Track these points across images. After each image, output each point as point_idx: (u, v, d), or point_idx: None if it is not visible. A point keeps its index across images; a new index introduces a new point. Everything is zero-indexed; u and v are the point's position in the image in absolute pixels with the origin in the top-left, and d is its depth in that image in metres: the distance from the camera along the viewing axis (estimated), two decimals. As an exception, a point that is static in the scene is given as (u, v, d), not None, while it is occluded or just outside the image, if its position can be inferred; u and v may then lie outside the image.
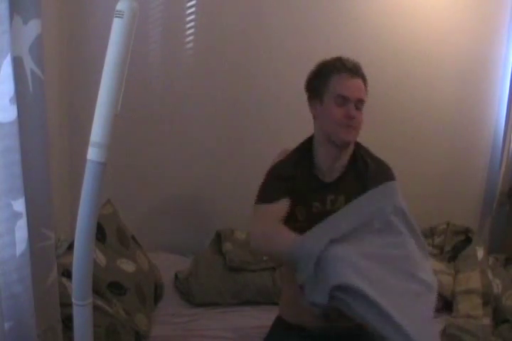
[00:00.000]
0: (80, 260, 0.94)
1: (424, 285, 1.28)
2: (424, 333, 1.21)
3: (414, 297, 1.26)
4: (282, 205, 1.46)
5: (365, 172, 1.51)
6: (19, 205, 1.09)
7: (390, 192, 1.41)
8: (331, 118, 1.47)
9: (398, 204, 1.36)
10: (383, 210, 1.33)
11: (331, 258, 1.22)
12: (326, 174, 1.51)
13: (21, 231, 1.11)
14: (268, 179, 1.53)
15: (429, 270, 1.35)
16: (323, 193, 1.49)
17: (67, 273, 1.50)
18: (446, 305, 2.16)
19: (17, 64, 1.05)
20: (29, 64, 1.09)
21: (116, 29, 0.85)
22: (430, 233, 2.54)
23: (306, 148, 1.56)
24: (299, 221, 1.48)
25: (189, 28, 2.44)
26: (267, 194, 1.50)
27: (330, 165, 1.51)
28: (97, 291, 1.63)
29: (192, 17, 2.43)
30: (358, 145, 1.55)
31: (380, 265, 1.27)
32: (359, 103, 1.46)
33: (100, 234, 1.91)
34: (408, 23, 2.54)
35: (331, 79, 1.47)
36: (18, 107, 1.05)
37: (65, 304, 1.27)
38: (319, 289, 1.22)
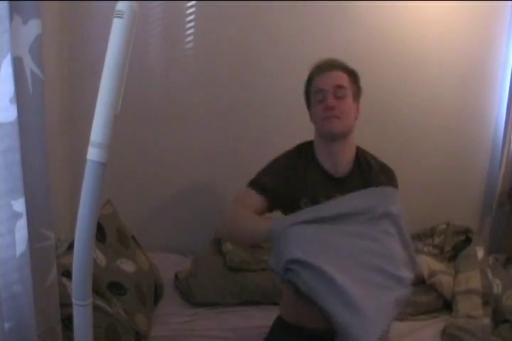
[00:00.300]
0: (80, 260, 0.94)
1: (399, 283, 1.26)
2: (378, 316, 1.18)
3: (378, 288, 1.23)
4: (260, 199, 1.48)
5: (369, 172, 1.54)
6: (19, 205, 1.09)
7: (388, 195, 1.40)
8: (315, 116, 1.51)
9: (392, 208, 1.35)
10: (375, 209, 1.33)
11: (293, 233, 1.23)
12: (332, 173, 1.53)
13: (21, 231, 1.11)
14: (263, 168, 1.56)
15: (411, 275, 1.32)
16: (329, 190, 1.51)
17: (67, 273, 1.50)
18: (446, 305, 2.16)
19: (17, 64, 1.05)
20: (29, 64, 1.08)
21: (116, 29, 0.84)
22: (430, 233, 2.54)
23: (307, 147, 1.58)
24: None
25: (189, 28, 2.44)
26: (253, 181, 1.53)
27: (332, 163, 1.53)
28: (97, 291, 1.62)
29: (192, 17, 2.43)
30: (360, 149, 1.58)
31: (351, 252, 1.26)
32: (338, 90, 1.46)
33: (100, 234, 1.91)
34: (406, 27, 2.53)
35: (312, 83, 1.52)
36: (18, 107, 1.05)
37: (65, 304, 1.27)
38: (278, 259, 1.23)
